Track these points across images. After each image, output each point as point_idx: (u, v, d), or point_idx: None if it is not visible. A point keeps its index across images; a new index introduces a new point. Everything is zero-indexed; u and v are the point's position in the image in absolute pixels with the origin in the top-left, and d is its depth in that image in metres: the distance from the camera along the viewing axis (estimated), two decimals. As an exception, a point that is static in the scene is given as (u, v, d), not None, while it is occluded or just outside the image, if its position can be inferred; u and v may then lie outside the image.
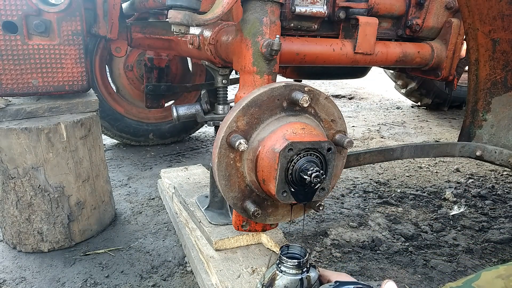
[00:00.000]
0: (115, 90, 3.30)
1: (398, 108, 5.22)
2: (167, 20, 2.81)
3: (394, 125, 4.41)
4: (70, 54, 1.75)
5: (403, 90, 4.85)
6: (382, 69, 3.35)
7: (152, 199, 2.45)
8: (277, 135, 1.10)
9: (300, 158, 1.05)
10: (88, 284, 1.64)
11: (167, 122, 3.45)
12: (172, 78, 3.32)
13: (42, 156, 1.71)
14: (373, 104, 5.51)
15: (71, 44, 1.73)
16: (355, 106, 5.35)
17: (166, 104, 3.29)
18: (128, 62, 3.23)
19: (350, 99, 5.78)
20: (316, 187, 1.09)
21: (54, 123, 1.71)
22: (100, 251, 1.87)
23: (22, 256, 1.82)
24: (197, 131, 3.74)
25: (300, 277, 1.03)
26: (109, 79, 3.27)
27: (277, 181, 1.04)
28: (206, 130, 3.96)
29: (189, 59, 3.44)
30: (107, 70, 3.24)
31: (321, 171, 1.03)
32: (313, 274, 1.05)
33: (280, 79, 1.39)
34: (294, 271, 1.03)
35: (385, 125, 4.42)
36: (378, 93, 6.06)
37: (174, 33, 1.13)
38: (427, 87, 4.63)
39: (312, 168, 1.02)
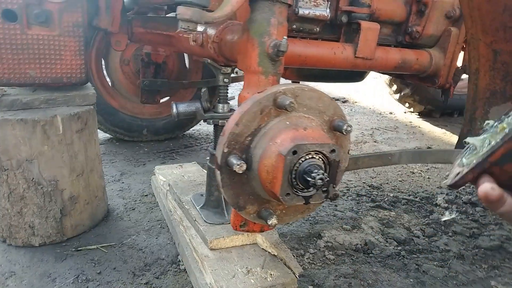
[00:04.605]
0: (110, 84, 3.26)
1: (391, 113, 5.26)
2: (169, 15, 2.79)
3: (387, 130, 4.45)
4: (70, 46, 1.72)
5: (397, 96, 4.90)
6: (377, 73, 3.38)
7: (145, 195, 2.43)
8: (276, 141, 1.08)
9: (305, 159, 1.04)
10: (79, 280, 1.62)
11: (162, 118, 3.42)
12: (169, 74, 3.29)
13: (36, 149, 1.68)
14: (366, 108, 5.55)
15: (71, 35, 1.70)
16: (349, 110, 5.39)
17: (161, 100, 3.27)
18: (125, 56, 3.19)
19: (344, 102, 5.81)
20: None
21: (50, 115, 1.68)
22: (92, 247, 1.85)
23: (12, 250, 1.79)
24: (191, 129, 3.72)
25: None
26: (105, 72, 3.23)
27: (281, 185, 1.04)
28: (200, 127, 3.94)
29: (186, 56, 3.42)
30: (103, 63, 3.20)
31: (325, 172, 1.04)
32: None
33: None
34: None
35: (378, 129, 4.45)
36: (372, 97, 6.11)
37: (182, 29, 1.11)
38: (420, 94, 4.68)
39: (316, 171, 1.02)
